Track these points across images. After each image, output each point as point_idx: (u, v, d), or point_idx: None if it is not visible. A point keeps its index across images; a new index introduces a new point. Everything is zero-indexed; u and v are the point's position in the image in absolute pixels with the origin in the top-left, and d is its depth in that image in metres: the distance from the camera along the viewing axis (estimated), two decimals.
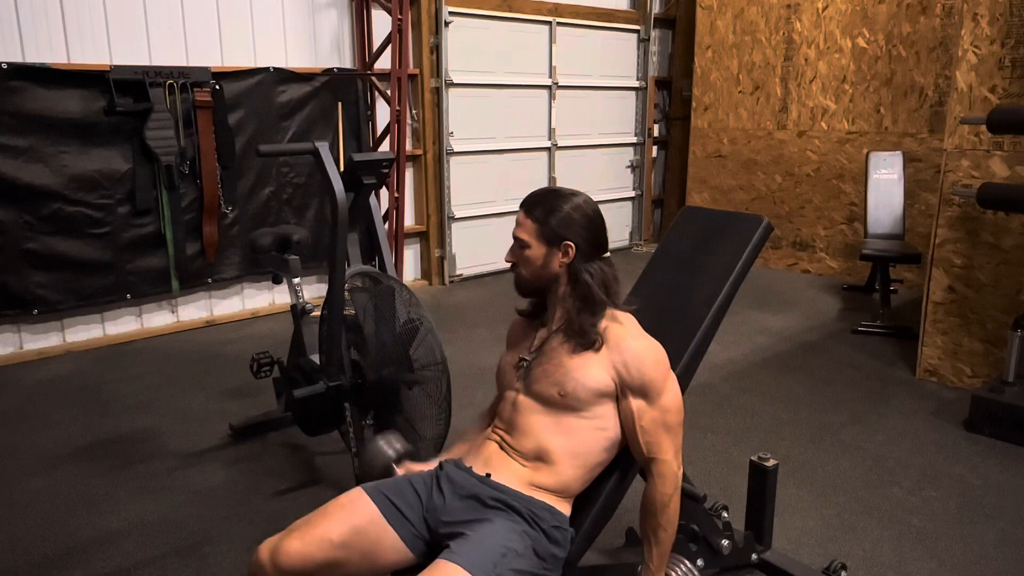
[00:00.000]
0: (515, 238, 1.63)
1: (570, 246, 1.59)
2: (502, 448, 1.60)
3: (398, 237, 5.17)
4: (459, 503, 1.53)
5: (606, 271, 1.63)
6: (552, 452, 1.55)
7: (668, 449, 1.55)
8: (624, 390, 1.55)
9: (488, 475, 1.56)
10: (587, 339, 1.56)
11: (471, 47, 5.53)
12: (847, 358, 4.00)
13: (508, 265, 1.67)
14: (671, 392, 1.56)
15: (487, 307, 5.06)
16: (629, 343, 1.56)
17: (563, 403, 1.55)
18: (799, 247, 6.03)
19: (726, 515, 2.05)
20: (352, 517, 1.50)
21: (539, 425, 1.57)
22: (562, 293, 1.62)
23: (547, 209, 1.59)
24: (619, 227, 7.00)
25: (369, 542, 1.49)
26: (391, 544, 1.51)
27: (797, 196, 5.97)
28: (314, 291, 5.00)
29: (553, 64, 6.09)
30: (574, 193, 1.63)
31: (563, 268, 1.61)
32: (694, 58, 6.48)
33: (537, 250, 1.60)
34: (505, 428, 1.62)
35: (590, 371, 1.54)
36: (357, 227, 2.77)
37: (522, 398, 1.61)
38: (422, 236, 5.61)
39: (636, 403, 1.54)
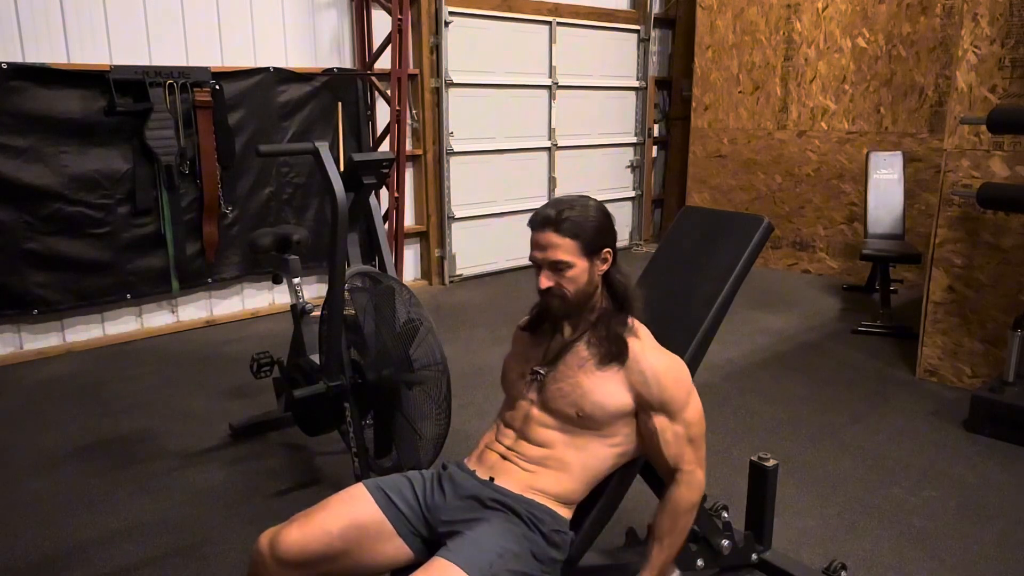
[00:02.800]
0: (548, 263, 1.52)
1: (609, 252, 1.57)
2: (506, 457, 1.59)
3: (398, 237, 5.17)
4: (459, 503, 1.53)
5: (625, 269, 1.61)
6: (562, 466, 1.55)
7: (692, 460, 1.55)
8: (644, 408, 1.53)
9: (491, 479, 1.56)
10: (619, 346, 1.52)
11: (471, 47, 5.53)
12: (847, 358, 4.00)
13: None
14: (693, 407, 1.55)
15: (487, 307, 5.06)
16: (648, 361, 1.53)
17: (580, 422, 1.54)
18: (799, 247, 6.03)
19: (726, 515, 2.05)
20: (352, 511, 1.50)
21: (552, 439, 1.56)
22: (594, 302, 1.59)
23: (576, 221, 1.51)
24: (619, 227, 6.76)
25: (367, 537, 1.49)
26: (389, 540, 1.51)
27: (797, 196, 5.97)
28: (314, 291, 5.00)
29: (553, 64, 6.09)
30: (580, 196, 1.59)
31: (600, 276, 1.57)
32: (694, 58, 6.48)
33: (580, 267, 1.53)
34: (514, 435, 1.61)
35: (609, 391, 1.52)
36: (357, 227, 2.76)
37: (536, 411, 1.59)
38: (422, 236, 5.61)
39: (658, 420, 1.53)
